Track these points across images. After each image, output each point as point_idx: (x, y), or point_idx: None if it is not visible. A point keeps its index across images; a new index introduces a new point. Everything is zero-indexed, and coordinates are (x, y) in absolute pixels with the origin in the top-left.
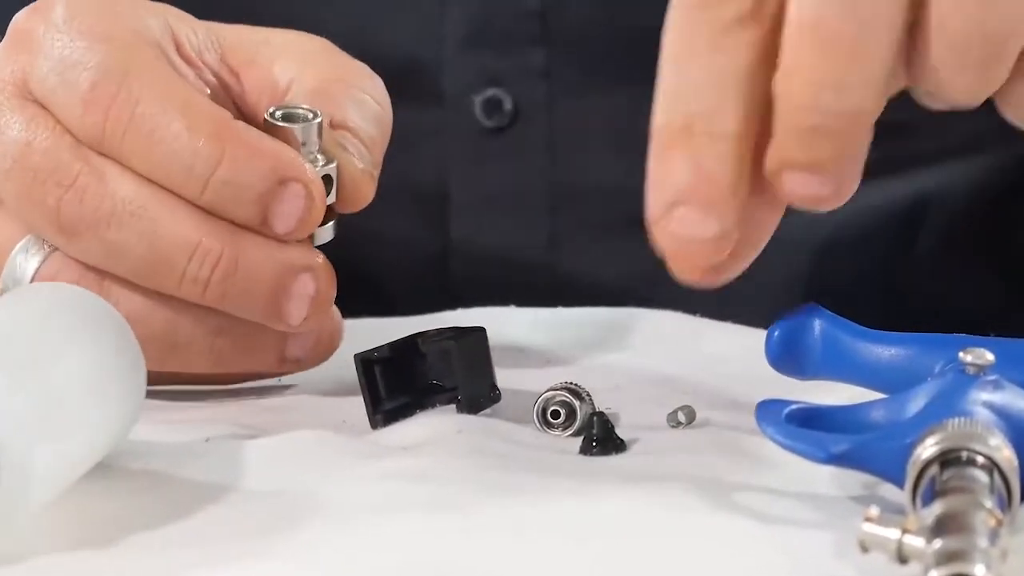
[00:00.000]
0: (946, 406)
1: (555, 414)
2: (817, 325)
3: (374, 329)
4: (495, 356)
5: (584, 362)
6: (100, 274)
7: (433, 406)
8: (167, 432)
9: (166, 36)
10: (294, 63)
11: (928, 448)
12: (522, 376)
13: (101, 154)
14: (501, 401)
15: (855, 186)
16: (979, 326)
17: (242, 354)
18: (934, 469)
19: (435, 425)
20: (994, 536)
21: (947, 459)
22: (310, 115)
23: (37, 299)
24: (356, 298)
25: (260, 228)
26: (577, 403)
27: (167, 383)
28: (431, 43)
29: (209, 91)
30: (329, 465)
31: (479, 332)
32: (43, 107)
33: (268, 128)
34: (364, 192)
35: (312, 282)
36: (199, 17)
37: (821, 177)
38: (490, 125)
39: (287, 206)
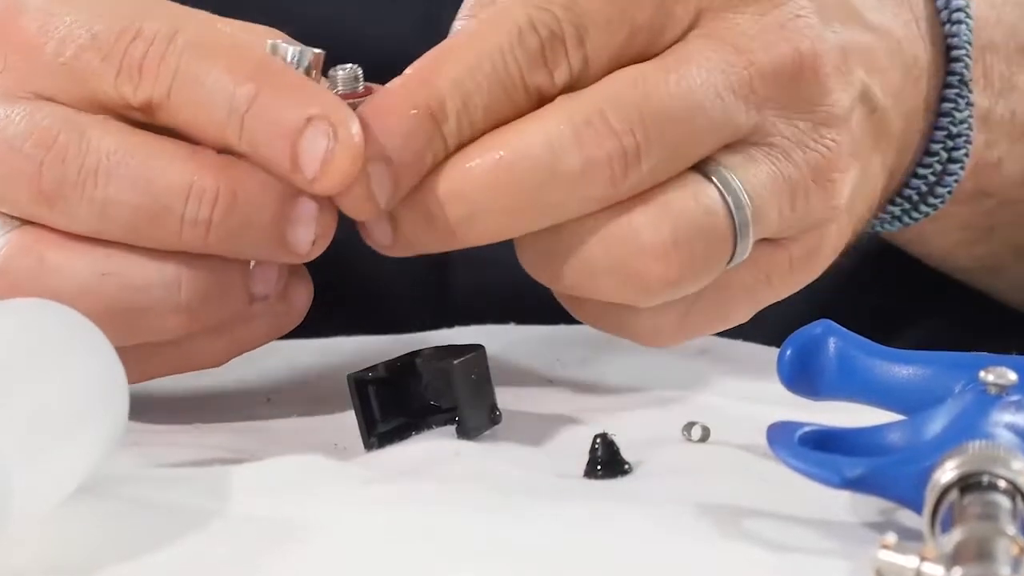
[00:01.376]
0: (966, 428)
1: None
2: (831, 343)
3: (367, 348)
4: (494, 375)
5: (588, 381)
6: (43, 247)
7: (430, 428)
8: (151, 455)
9: None
10: None
11: (947, 472)
12: (523, 397)
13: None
14: (501, 423)
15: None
16: (987, 345)
17: (211, 300)
18: (954, 494)
19: (432, 448)
20: (1017, 565)
21: (967, 484)
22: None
23: (17, 316)
24: (352, 312)
25: (292, 176)
26: None
27: (149, 376)
28: (424, 43)
29: None
30: (319, 490)
31: (478, 351)
32: (38, 96)
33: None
34: None
35: (313, 203)
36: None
37: None
38: None
39: (312, 146)
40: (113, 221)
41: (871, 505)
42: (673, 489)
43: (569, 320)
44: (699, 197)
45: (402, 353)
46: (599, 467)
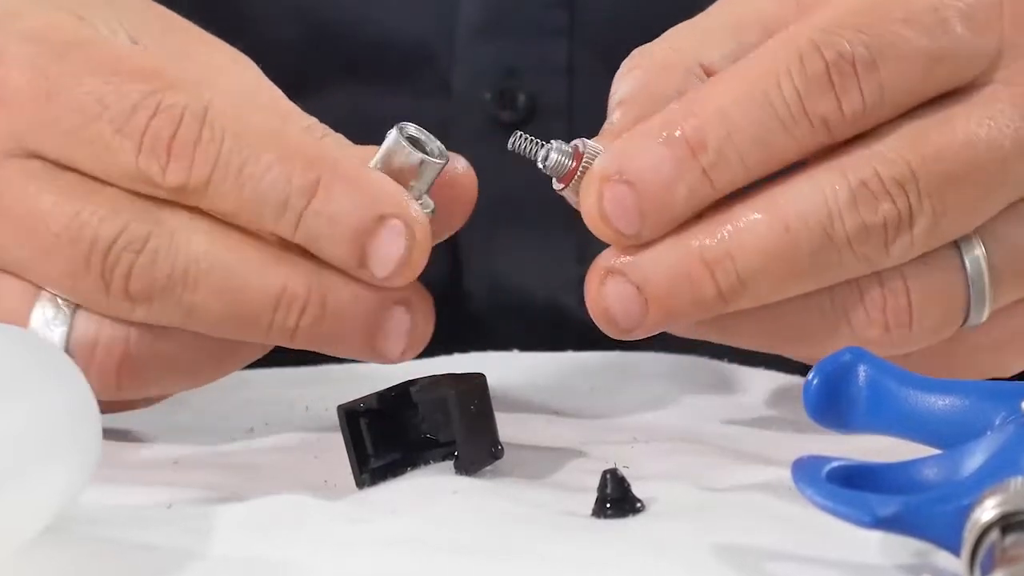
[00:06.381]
0: (1008, 463)
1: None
2: (861, 371)
3: (359, 376)
4: (496, 406)
5: (596, 413)
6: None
7: (426, 463)
8: (126, 493)
9: None
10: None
11: (988, 511)
12: (526, 429)
13: (174, 204)
14: (503, 457)
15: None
16: None
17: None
18: (994, 534)
19: (428, 484)
20: None
21: (1009, 523)
22: (436, 150)
23: None
24: None
25: (358, 272)
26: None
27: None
28: (443, 29)
29: None
30: (308, 531)
31: (478, 379)
32: (64, 167)
33: (392, 148)
34: (470, 188)
35: (407, 315)
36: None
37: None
38: (504, 119)
39: (387, 246)
40: (198, 321)
41: (905, 546)
42: (688, 529)
43: (576, 346)
44: (941, 268)
45: (397, 382)
46: (608, 505)
